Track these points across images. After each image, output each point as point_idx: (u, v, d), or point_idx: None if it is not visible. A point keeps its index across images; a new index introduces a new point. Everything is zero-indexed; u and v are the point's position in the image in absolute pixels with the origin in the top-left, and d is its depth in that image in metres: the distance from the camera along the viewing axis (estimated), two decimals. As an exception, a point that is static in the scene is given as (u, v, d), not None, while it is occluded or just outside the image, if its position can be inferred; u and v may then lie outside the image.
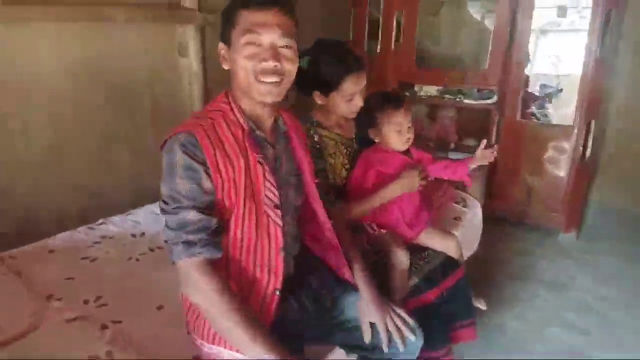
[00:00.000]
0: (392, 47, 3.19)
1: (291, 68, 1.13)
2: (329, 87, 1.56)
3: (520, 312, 2.23)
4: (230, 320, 1.03)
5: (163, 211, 1.07)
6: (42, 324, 1.26)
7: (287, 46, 1.11)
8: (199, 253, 1.04)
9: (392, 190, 1.62)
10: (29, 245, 1.76)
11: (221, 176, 1.07)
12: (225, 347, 1.12)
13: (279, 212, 1.16)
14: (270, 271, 1.15)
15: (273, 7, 1.09)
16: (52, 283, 1.52)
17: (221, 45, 1.14)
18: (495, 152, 1.70)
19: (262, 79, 1.09)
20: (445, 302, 1.61)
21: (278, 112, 1.24)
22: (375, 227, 1.68)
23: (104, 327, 1.32)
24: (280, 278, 1.16)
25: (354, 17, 3.32)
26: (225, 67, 1.15)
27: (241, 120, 1.14)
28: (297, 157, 1.26)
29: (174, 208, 1.05)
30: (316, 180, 1.32)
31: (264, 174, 1.13)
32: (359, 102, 1.60)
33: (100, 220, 1.95)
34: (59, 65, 1.94)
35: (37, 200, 1.95)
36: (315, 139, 1.61)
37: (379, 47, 3.24)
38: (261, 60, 1.08)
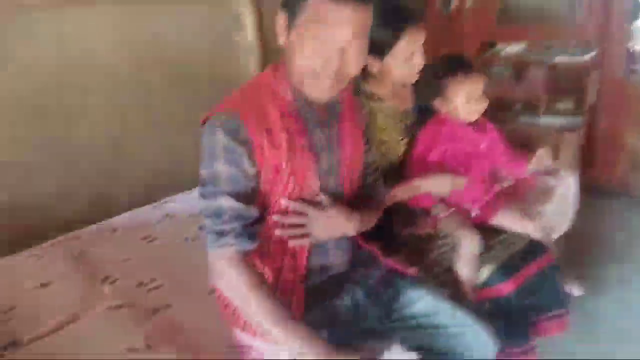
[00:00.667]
0: (468, 2, 2.89)
1: (356, 70, 0.99)
2: (382, 48, 1.38)
3: (622, 297, 1.95)
4: (265, 318, 0.95)
5: (202, 196, 0.99)
6: (86, 312, 1.25)
7: (358, 47, 0.96)
8: (230, 245, 0.95)
9: (423, 186, 1.45)
10: (95, 225, 1.79)
11: (265, 158, 0.98)
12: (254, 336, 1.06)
13: (318, 181, 1.05)
14: (295, 261, 1.07)
15: (353, 1, 0.93)
16: (110, 264, 1.52)
17: (282, 15, 0.97)
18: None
19: (322, 79, 0.97)
20: (527, 293, 1.40)
21: None
22: (439, 209, 1.50)
23: (154, 311, 1.30)
24: (303, 267, 1.07)
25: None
26: (280, 41, 1.00)
27: (289, 98, 1.02)
28: (348, 143, 1.12)
29: (212, 193, 0.97)
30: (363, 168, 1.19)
31: (306, 159, 1.02)
32: (419, 61, 1.41)
33: (164, 199, 1.97)
34: (118, 47, 1.92)
35: (105, 183, 1.98)
36: (364, 111, 1.44)
37: (452, 3, 2.96)
38: (327, 60, 0.95)
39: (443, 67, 1.48)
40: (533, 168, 1.55)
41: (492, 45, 3.06)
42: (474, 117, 1.50)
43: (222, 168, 0.96)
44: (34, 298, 1.29)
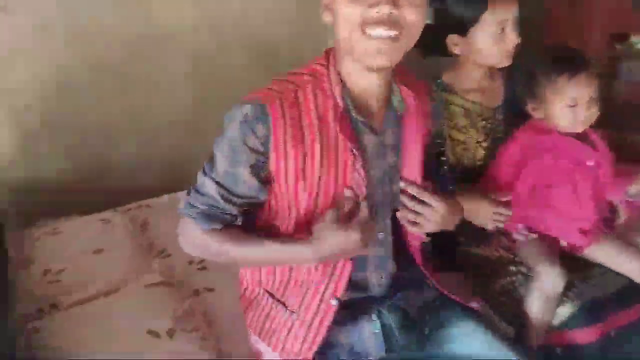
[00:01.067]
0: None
1: (415, 17, 0.81)
2: (465, 22, 1.20)
3: None
4: (241, 254, 0.94)
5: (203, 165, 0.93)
6: (126, 286, 1.25)
7: None
8: (193, 218, 0.92)
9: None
10: (167, 195, 1.81)
11: (286, 163, 0.86)
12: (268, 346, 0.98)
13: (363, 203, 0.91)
14: (332, 275, 0.93)
15: None
16: (169, 237, 1.48)
17: None
18: None
19: (370, 32, 0.79)
20: (612, 346, 1.16)
21: (396, 82, 0.93)
22: (524, 231, 1.28)
23: (195, 292, 1.29)
24: (343, 285, 0.93)
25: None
26: (326, 18, 0.87)
27: (335, 93, 0.88)
28: (408, 151, 0.96)
29: (205, 172, 0.91)
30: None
31: (353, 165, 0.89)
32: (512, 37, 1.20)
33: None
34: (200, 22, 1.90)
35: (181, 155, 2.01)
36: None
37: (582, -13, 2.56)
38: (371, 5, 0.78)
39: (542, 61, 1.24)
40: (633, 192, 1.27)
41: (625, 37, 2.62)
42: (578, 128, 1.25)
43: (221, 161, 0.88)
44: (85, 263, 1.32)
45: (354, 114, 0.89)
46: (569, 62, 1.21)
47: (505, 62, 1.25)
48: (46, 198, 1.72)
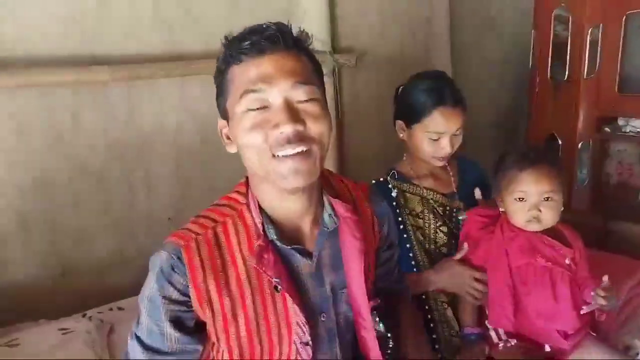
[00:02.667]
0: (585, 71, 2.52)
1: (321, 128, 0.79)
2: (413, 116, 1.29)
3: None
4: None
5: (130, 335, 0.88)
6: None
7: (308, 99, 0.78)
8: None
9: (432, 283, 1.24)
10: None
11: (212, 310, 0.81)
12: None
13: (309, 349, 0.85)
14: None
15: (274, 49, 0.78)
16: None
17: (221, 122, 0.86)
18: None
19: (279, 153, 0.78)
20: None
21: (326, 195, 0.89)
22: (501, 334, 1.19)
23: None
24: None
25: (534, 39, 2.75)
26: (231, 150, 0.86)
27: (257, 223, 0.84)
28: (350, 266, 0.90)
29: (132, 334, 0.86)
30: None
31: (283, 304, 0.84)
32: (446, 147, 1.26)
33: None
34: (183, 121, 1.95)
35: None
36: (393, 194, 1.27)
37: (566, 73, 2.60)
38: (273, 127, 0.77)
39: (501, 157, 1.26)
40: (592, 305, 1.19)
41: (612, 119, 2.63)
42: (528, 226, 1.20)
43: (144, 317, 0.83)
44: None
45: (279, 244, 0.84)
46: (525, 156, 1.20)
47: (437, 164, 1.32)
48: (15, 302, 1.67)
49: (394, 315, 1.04)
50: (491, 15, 2.87)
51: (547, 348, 1.20)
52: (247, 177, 0.90)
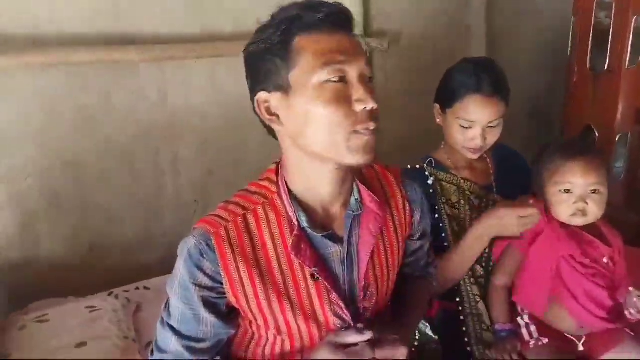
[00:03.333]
0: (627, 62, 2.41)
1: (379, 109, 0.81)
2: (446, 100, 1.25)
3: None
4: None
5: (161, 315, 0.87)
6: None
7: (370, 77, 0.82)
8: None
9: (474, 236, 1.19)
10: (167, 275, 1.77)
11: (246, 296, 0.81)
12: None
13: None
14: None
15: (346, 26, 0.80)
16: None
17: (263, 96, 0.82)
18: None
19: (362, 129, 0.78)
20: None
21: (356, 181, 0.89)
22: (533, 331, 1.16)
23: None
24: None
25: (574, 26, 2.63)
26: (277, 126, 0.83)
27: (290, 212, 0.83)
28: (363, 253, 0.90)
29: (164, 323, 0.85)
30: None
31: (319, 292, 0.84)
32: (476, 139, 1.21)
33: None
34: (213, 101, 1.93)
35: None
36: (429, 182, 1.25)
37: (607, 63, 2.49)
38: (356, 102, 0.78)
39: (545, 149, 1.19)
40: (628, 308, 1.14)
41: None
42: (571, 219, 1.16)
43: (176, 305, 0.83)
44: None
45: (311, 232, 0.84)
46: (571, 147, 1.15)
47: (469, 155, 1.26)
48: (45, 278, 1.70)
49: (403, 287, 1.02)
50: (530, -2, 2.77)
51: (580, 347, 1.16)
52: (276, 164, 0.89)
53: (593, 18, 2.50)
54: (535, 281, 1.18)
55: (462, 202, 1.29)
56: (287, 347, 0.87)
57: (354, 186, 0.89)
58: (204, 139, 1.94)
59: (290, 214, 0.83)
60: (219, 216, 0.84)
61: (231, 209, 0.85)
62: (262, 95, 0.82)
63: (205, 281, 0.81)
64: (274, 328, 0.85)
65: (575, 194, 1.13)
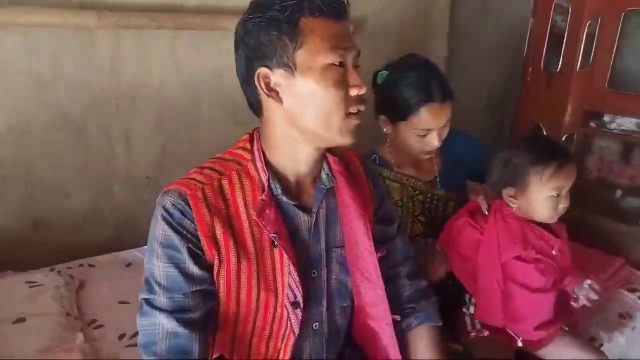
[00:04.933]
0: (578, 65, 2.51)
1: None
2: (398, 113, 1.23)
3: None
4: None
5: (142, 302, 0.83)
6: None
7: (357, 66, 0.87)
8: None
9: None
10: (113, 253, 1.74)
11: (219, 252, 0.81)
12: None
13: (298, 312, 0.86)
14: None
15: (345, 16, 0.84)
16: (105, 303, 1.45)
17: (265, 71, 0.81)
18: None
19: (352, 111, 0.84)
20: None
21: (326, 156, 0.93)
22: (476, 324, 1.20)
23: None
24: None
25: (532, 27, 2.72)
26: (274, 102, 0.83)
27: (262, 178, 0.86)
28: (349, 220, 0.93)
29: (147, 301, 0.82)
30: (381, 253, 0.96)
31: (281, 261, 0.85)
32: (434, 142, 1.23)
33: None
34: (171, 76, 1.87)
35: (136, 211, 1.92)
36: None
37: (559, 64, 2.59)
38: (352, 87, 0.83)
39: (528, 150, 1.19)
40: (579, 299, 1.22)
41: (598, 115, 2.64)
42: (554, 218, 1.21)
43: (159, 267, 0.81)
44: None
45: (284, 199, 0.87)
46: (560, 153, 1.19)
47: (425, 158, 1.29)
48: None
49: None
50: (491, -1, 2.83)
51: (520, 343, 1.21)
52: (250, 135, 0.91)
53: (550, 21, 2.59)
54: (487, 294, 1.21)
55: (405, 199, 1.30)
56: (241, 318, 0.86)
57: (323, 163, 0.93)
58: (159, 114, 1.88)
59: (264, 180, 0.85)
60: (194, 179, 0.84)
61: (206, 173, 0.85)
62: (263, 70, 0.82)
63: (188, 236, 0.80)
64: (234, 298, 0.84)
65: (561, 195, 1.17)
